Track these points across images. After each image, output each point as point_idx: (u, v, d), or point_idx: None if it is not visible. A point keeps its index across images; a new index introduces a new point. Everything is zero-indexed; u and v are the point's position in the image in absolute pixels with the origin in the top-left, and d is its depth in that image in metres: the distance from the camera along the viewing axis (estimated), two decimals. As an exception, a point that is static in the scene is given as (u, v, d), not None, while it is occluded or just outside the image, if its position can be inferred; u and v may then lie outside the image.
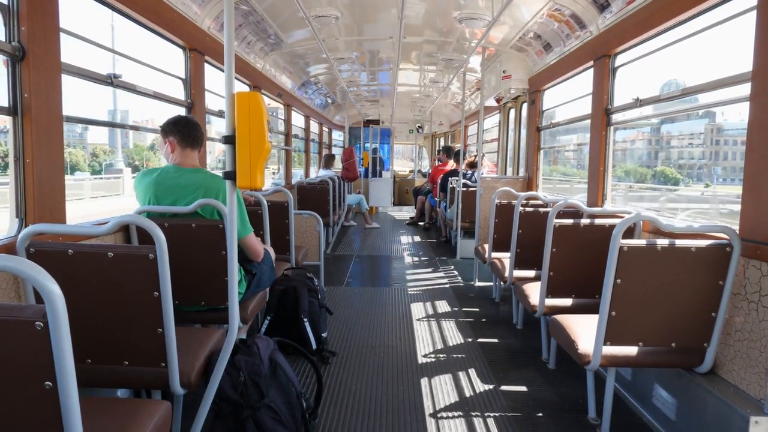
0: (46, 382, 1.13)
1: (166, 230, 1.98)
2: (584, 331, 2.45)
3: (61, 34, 2.23)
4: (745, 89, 2.25)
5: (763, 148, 2.08)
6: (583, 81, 4.42)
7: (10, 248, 1.93)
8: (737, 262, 2.14)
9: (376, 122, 13.78)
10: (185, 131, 2.69)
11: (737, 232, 2.17)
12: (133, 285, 1.84)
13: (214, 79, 4.06)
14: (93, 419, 1.52)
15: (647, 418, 2.62)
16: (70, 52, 2.35)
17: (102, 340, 1.90)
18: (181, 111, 3.68)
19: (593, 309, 2.49)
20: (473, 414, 2.66)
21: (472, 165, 7.35)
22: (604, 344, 2.28)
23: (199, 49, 3.73)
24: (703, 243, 2.17)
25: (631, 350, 2.32)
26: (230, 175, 1.79)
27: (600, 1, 3.67)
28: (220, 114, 4.20)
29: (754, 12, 2.20)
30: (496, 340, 3.74)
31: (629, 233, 3.02)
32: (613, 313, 2.23)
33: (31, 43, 2.04)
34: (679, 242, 2.18)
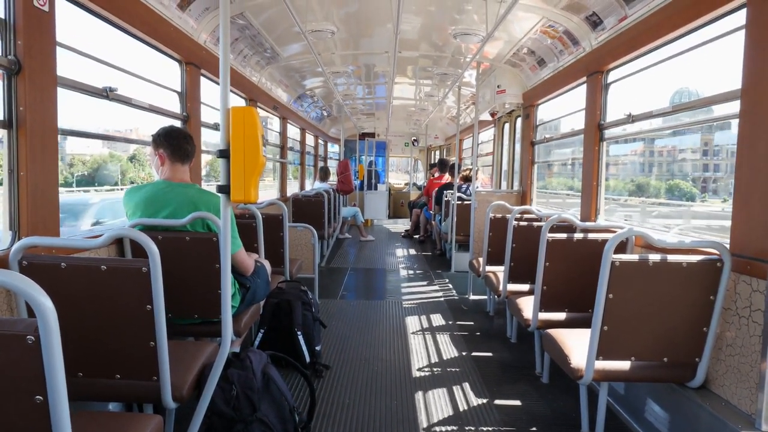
0: (37, 396, 1.13)
1: (160, 243, 1.98)
2: (577, 346, 2.46)
3: (57, 48, 2.25)
4: (736, 106, 2.28)
5: (753, 164, 2.11)
6: (577, 96, 4.47)
7: (2, 261, 1.93)
8: (728, 278, 2.16)
9: (372, 135, 13.83)
10: (176, 145, 2.66)
11: (728, 247, 2.19)
12: (125, 298, 1.83)
13: (210, 92, 4.08)
14: (83, 434, 1.51)
15: None
16: (65, 65, 2.36)
17: (94, 354, 1.90)
18: (176, 124, 3.69)
19: (586, 323, 2.50)
20: (467, 428, 2.65)
21: (467, 179, 7.38)
22: (597, 359, 2.28)
23: (195, 62, 3.75)
24: (695, 258, 2.19)
25: (624, 365, 2.32)
26: (224, 189, 1.79)
27: (593, 18, 3.73)
28: (215, 127, 4.22)
29: (743, 31, 2.24)
30: (489, 354, 3.73)
31: (621, 248, 3.04)
32: (606, 328, 2.24)
33: (26, 57, 2.05)
34: (671, 257, 2.20)
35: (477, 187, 6.10)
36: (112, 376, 1.92)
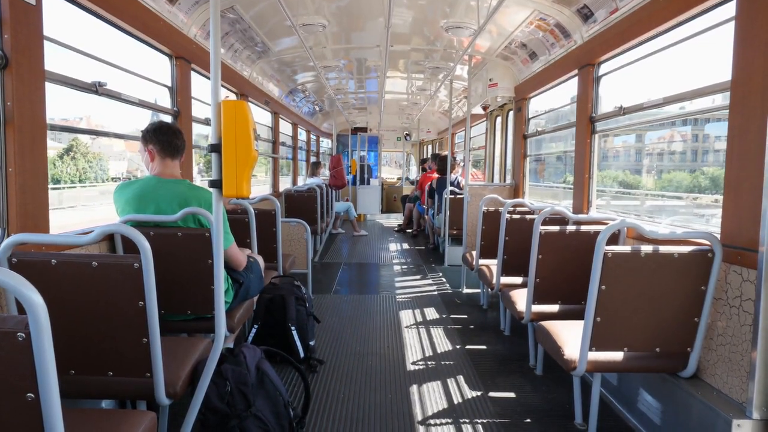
0: (29, 394, 1.12)
1: (152, 239, 1.97)
2: (570, 337, 2.47)
3: (45, 42, 2.22)
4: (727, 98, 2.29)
5: (743, 155, 2.12)
6: (570, 89, 4.48)
7: None
8: (719, 268, 2.18)
9: (364, 130, 13.82)
10: (165, 140, 2.63)
11: (719, 238, 2.21)
12: (117, 295, 1.82)
13: (201, 86, 4.05)
14: (76, 431, 1.50)
15: (633, 423, 2.64)
16: (54, 59, 2.33)
17: (86, 351, 1.88)
18: (166, 119, 3.66)
19: (579, 315, 2.51)
20: (461, 420, 2.66)
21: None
22: (590, 350, 2.30)
23: (186, 57, 3.72)
24: (686, 249, 2.21)
25: (617, 355, 2.34)
26: (216, 184, 1.78)
27: (584, 10, 3.73)
28: (206, 122, 4.19)
29: (733, 22, 2.25)
30: (484, 347, 3.75)
31: (614, 240, 3.05)
32: (599, 319, 2.25)
33: (14, 51, 2.02)
34: (663, 248, 2.21)
35: (458, 177, 6.14)
36: (105, 373, 1.91)
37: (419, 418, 2.69)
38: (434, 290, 5.51)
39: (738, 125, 2.16)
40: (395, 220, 12.59)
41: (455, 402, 2.88)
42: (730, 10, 2.34)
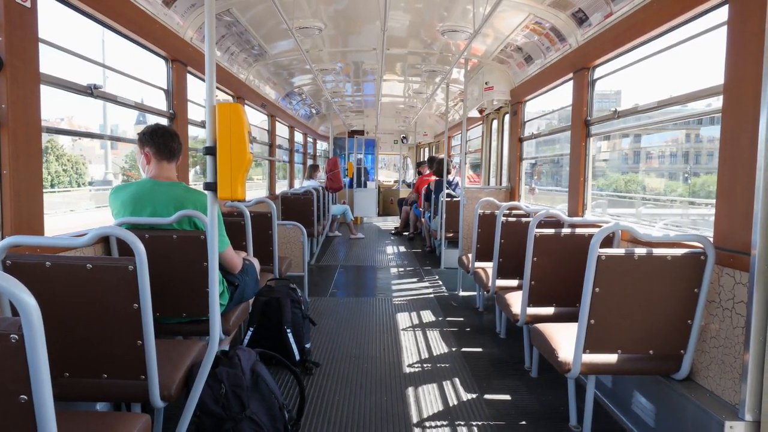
0: (22, 396, 1.12)
1: (147, 242, 1.97)
2: (565, 340, 2.48)
3: (41, 44, 2.22)
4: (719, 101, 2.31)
5: (735, 159, 2.13)
6: (565, 92, 4.49)
7: None
8: (712, 271, 2.19)
9: (361, 133, 13.84)
10: (161, 143, 2.64)
11: (711, 240, 2.22)
12: (112, 297, 1.82)
13: (198, 89, 4.06)
14: (70, 433, 1.50)
15: (627, 425, 2.65)
16: (50, 62, 2.33)
17: (80, 353, 1.88)
18: (163, 121, 3.66)
19: (573, 317, 2.52)
20: (457, 423, 2.67)
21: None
22: (584, 352, 2.30)
23: (182, 59, 3.72)
24: (679, 252, 2.22)
25: (611, 358, 2.35)
26: (211, 187, 1.79)
27: (579, 14, 3.75)
28: (202, 124, 4.19)
29: (725, 27, 2.27)
30: (479, 349, 3.75)
31: (608, 242, 3.07)
32: (592, 322, 2.26)
33: (9, 54, 2.03)
34: (656, 251, 2.23)
35: (455, 179, 6.16)
36: (99, 376, 1.90)
37: (415, 420, 2.70)
38: (430, 293, 5.51)
39: (730, 128, 2.18)
40: (392, 222, 12.59)
41: (451, 404, 2.88)
42: (722, 14, 2.36)
